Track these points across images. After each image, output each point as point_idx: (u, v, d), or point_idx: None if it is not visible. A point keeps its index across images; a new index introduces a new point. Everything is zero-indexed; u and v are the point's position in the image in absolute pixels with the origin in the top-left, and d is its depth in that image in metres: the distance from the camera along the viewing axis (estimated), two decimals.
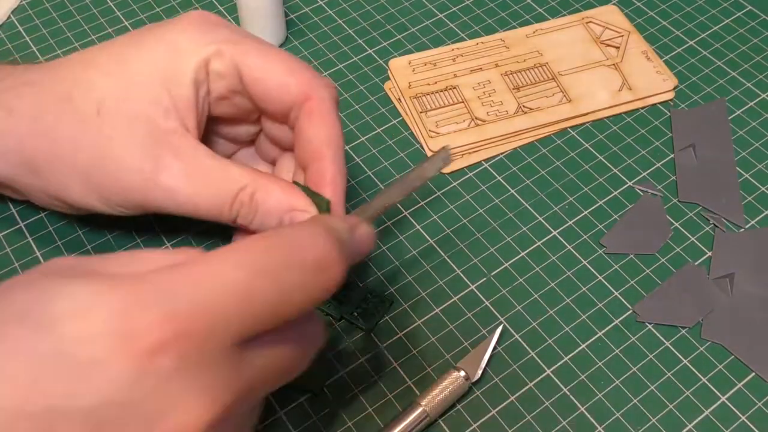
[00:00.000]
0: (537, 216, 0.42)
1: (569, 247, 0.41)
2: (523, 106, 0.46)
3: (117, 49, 0.34)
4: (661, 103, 0.47)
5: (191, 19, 0.34)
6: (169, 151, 0.32)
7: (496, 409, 0.35)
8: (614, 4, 0.53)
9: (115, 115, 0.33)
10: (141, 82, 0.33)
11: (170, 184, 0.32)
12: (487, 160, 0.45)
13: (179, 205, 0.33)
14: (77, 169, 0.33)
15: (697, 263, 0.40)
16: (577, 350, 0.37)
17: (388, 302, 0.38)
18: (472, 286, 0.39)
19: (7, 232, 0.41)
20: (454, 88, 0.47)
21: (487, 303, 0.39)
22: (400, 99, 0.47)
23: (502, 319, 0.38)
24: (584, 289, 0.39)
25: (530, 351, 0.37)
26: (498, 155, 0.45)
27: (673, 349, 0.37)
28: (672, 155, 0.45)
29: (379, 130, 0.46)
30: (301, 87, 0.33)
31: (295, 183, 0.35)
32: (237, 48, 0.33)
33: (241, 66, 0.33)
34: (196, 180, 0.33)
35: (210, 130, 0.37)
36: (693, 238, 0.41)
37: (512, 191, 0.43)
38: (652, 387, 0.36)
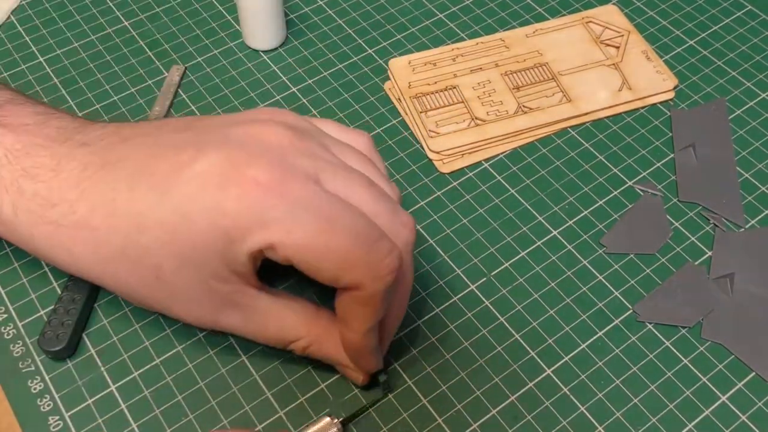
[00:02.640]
0: (537, 216, 0.42)
1: (569, 247, 0.41)
2: (523, 106, 0.46)
3: (170, 217, 0.31)
4: (661, 102, 0.47)
5: (245, 187, 0.30)
6: (227, 304, 0.33)
7: (496, 410, 0.35)
8: (614, 4, 0.53)
9: (174, 282, 0.33)
10: (197, 258, 0.32)
11: (230, 325, 0.34)
12: (487, 160, 0.45)
13: (242, 336, 0.35)
14: (147, 304, 0.35)
15: (697, 263, 0.40)
16: (577, 350, 0.37)
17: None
18: (472, 286, 0.39)
19: None
20: (454, 88, 0.47)
21: (487, 303, 0.39)
22: (400, 99, 0.47)
23: (502, 319, 0.38)
24: (584, 289, 0.39)
25: (530, 351, 0.37)
26: (498, 155, 0.45)
27: (673, 349, 0.37)
28: (672, 155, 0.45)
29: (379, 130, 0.46)
30: (352, 280, 0.31)
31: None
32: (288, 243, 0.30)
33: (292, 260, 0.31)
34: (252, 326, 0.34)
35: None
36: (693, 238, 0.41)
37: (512, 191, 0.43)
38: (652, 387, 0.36)
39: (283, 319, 0.34)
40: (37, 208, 0.33)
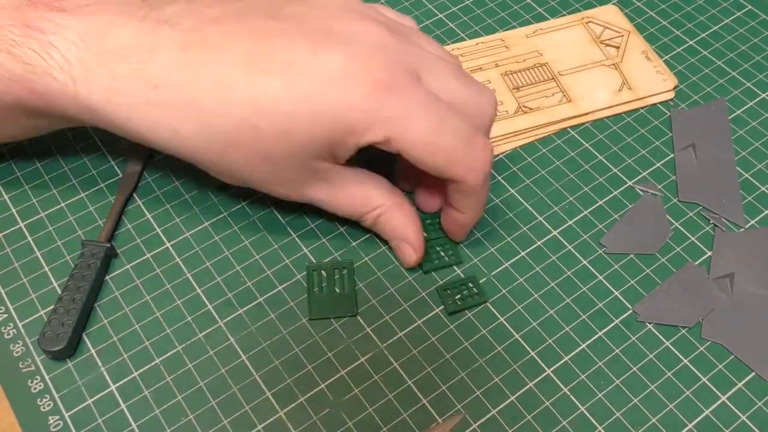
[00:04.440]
0: (537, 216, 0.42)
1: (569, 247, 0.41)
2: (523, 106, 0.46)
3: (296, 106, 0.34)
4: (661, 102, 0.47)
5: (369, 86, 0.34)
6: (319, 179, 0.37)
7: (496, 410, 0.35)
8: (614, 4, 0.53)
9: (280, 164, 0.35)
10: (310, 145, 0.34)
11: (318, 197, 0.38)
12: None
13: (323, 208, 0.39)
14: (246, 181, 0.37)
15: (697, 263, 0.40)
16: (577, 350, 0.37)
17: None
18: None
19: (7, 232, 0.41)
20: None
21: (487, 303, 0.39)
22: None
23: (502, 319, 0.38)
24: (584, 289, 0.39)
25: (530, 351, 0.37)
26: (498, 155, 0.45)
27: (673, 349, 0.37)
28: (672, 155, 0.45)
29: None
30: (454, 174, 0.36)
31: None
32: (404, 139, 0.34)
33: (403, 153, 0.35)
34: (338, 197, 0.38)
35: None
36: (693, 238, 0.41)
37: (512, 191, 0.43)
38: (652, 387, 0.36)
39: (366, 189, 0.38)
40: (135, 90, 0.34)
